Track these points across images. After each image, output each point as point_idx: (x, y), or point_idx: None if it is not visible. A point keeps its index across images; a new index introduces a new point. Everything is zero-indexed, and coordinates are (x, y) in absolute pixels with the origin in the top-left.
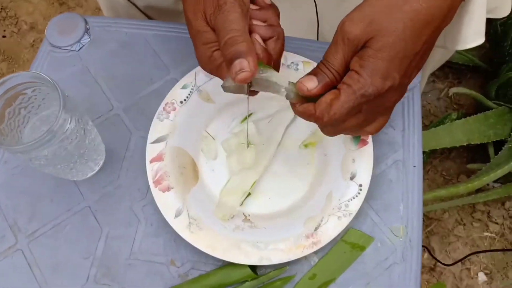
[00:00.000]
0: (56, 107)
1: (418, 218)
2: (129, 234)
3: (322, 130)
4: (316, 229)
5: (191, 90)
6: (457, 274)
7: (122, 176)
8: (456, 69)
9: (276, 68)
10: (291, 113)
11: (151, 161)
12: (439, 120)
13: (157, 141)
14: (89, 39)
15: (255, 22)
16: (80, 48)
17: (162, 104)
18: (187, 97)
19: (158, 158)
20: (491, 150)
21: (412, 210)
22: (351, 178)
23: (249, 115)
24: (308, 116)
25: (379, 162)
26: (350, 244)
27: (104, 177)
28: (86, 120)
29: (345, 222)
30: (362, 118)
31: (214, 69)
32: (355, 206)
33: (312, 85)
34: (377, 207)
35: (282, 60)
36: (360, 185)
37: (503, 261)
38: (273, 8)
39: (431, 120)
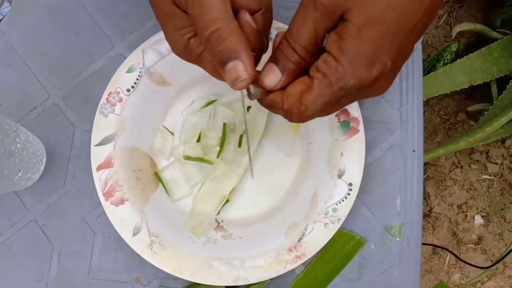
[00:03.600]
0: None
1: (417, 213)
2: (84, 250)
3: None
4: (299, 239)
5: (140, 74)
6: (453, 218)
7: (69, 181)
8: None
9: (263, 46)
10: None
11: (98, 169)
12: (437, 54)
13: (103, 142)
14: (10, 7)
15: None
16: (0, 19)
17: (105, 95)
18: (135, 83)
19: (106, 164)
20: (494, 88)
21: (411, 204)
22: (339, 176)
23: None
24: (275, 110)
25: (372, 147)
26: (339, 248)
27: (48, 184)
28: (6, 126)
29: (332, 230)
30: (340, 108)
31: (194, 60)
32: (344, 210)
33: (273, 79)
34: (369, 202)
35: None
36: (350, 184)
37: (501, 203)
38: None
39: (428, 53)
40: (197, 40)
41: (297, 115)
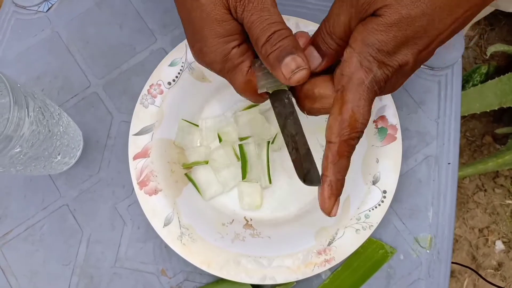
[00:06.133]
0: (5, 98)
1: (449, 227)
2: (113, 238)
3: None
4: (329, 243)
5: (181, 68)
6: (474, 242)
7: (104, 169)
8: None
9: None
10: None
11: (134, 158)
12: (467, 74)
13: (141, 132)
14: None
15: None
16: (49, 8)
17: (146, 86)
18: (176, 77)
19: (143, 154)
20: None
21: (443, 217)
22: (374, 183)
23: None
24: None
25: (407, 157)
26: (367, 256)
27: (82, 170)
28: (52, 109)
29: (364, 236)
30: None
31: (227, 71)
32: (377, 217)
33: (314, 63)
34: (401, 212)
35: (293, 30)
36: (384, 192)
37: None
38: None
39: None
40: (239, 51)
41: (352, 133)
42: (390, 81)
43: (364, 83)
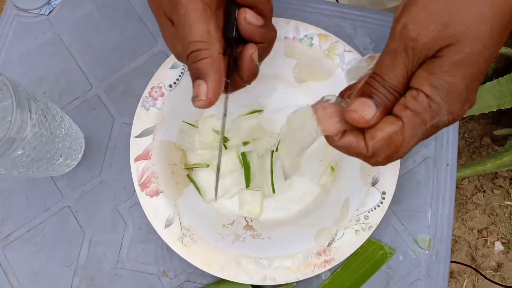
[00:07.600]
0: (7, 101)
1: (448, 227)
2: (115, 239)
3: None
4: (329, 244)
5: (182, 71)
6: (473, 243)
7: (105, 171)
8: None
9: (256, 76)
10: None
11: (136, 159)
12: None
13: (142, 134)
14: (60, 0)
15: (248, 16)
16: (50, 11)
17: (148, 89)
18: (177, 80)
19: (145, 156)
20: None
21: (441, 218)
22: (373, 184)
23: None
24: (355, 154)
25: (405, 159)
26: (367, 257)
27: (84, 172)
28: (54, 111)
29: (363, 237)
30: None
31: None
32: (376, 218)
33: (370, 113)
34: (400, 213)
35: (293, 33)
36: (383, 193)
37: None
38: None
39: None
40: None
41: (385, 159)
42: (455, 121)
43: (425, 124)
